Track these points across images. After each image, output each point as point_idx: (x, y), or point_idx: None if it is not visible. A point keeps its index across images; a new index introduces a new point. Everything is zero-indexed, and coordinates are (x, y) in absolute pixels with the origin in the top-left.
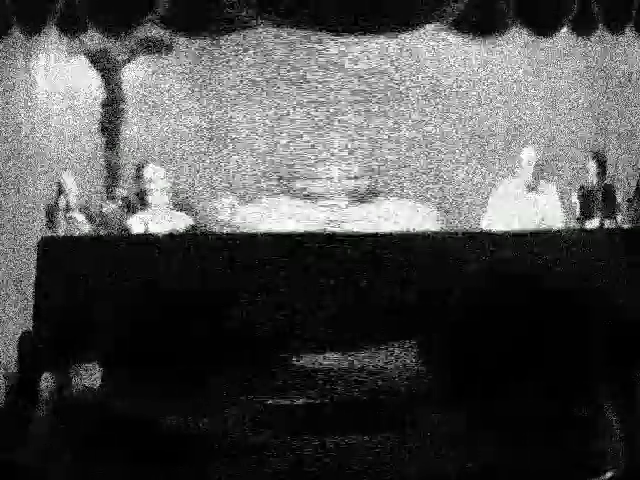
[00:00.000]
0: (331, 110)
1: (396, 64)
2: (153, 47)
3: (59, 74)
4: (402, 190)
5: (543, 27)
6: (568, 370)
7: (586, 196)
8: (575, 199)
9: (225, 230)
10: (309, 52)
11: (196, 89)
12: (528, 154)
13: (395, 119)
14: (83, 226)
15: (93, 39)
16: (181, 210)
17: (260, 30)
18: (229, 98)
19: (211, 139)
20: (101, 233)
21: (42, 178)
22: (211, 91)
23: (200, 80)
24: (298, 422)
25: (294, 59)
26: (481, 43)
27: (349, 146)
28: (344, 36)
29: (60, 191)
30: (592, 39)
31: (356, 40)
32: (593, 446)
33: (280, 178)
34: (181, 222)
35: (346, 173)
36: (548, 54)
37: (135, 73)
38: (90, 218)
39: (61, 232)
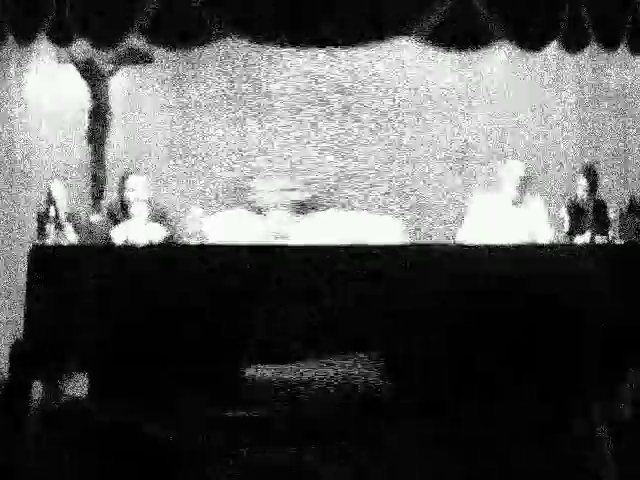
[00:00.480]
0: (291, 123)
1: (360, 76)
2: (136, 58)
3: (49, 83)
4: (355, 202)
5: (530, 42)
6: (558, 381)
7: (575, 211)
8: (564, 214)
9: (192, 241)
10: (275, 65)
11: (170, 101)
12: (512, 167)
13: (358, 132)
14: (70, 235)
15: (81, 49)
16: (157, 221)
17: (228, 43)
18: (198, 110)
19: (182, 151)
20: (87, 243)
21: (34, 187)
22: (183, 103)
23: (173, 92)
24: (257, 433)
25: (258, 72)
26: (462, 55)
27: (293, 159)
28: (311, 48)
29: (50, 200)
30: (583, 54)
31: (323, 52)
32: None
33: (235, 191)
34: (157, 233)
35: (289, 185)
36: (536, 68)
37: (120, 84)
38: (77, 228)
39: (51, 241)
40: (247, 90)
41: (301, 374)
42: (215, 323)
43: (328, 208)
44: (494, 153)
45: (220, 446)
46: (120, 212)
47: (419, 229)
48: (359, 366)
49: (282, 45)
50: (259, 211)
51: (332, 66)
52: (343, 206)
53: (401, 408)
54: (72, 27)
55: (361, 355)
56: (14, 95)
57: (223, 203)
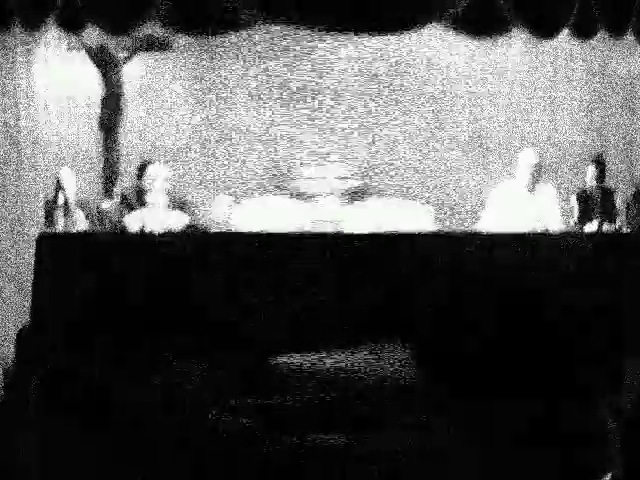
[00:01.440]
0: (327, 110)
1: (395, 64)
2: (153, 45)
3: (59, 70)
4: (396, 190)
5: (543, 29)
6: (562, 373)
7: (585, 199)
8: (574, 202)
9: (221, 228)
10: (306, 51)
11: (194, 88)
12: (527, 156)
13: (392, 119)
14: (81, 223)
15: (92, 36)
16: (178, 209)
17: (260, 30)
18: (228, 97)
19: (207, 137)
20: (98, 230)
21: (41, 174)
22: (209, 90)
23: (198, 79)
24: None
25: (291, 59)
26: (481, 43)
27: (343, 147)
28: (342, 35)
29: (59, 187)
30: (592, 42)
31: (354, 39)
32: (592, 448)
33: (274, 177)
34: (177, 221)
35: (338, 173)
36: (548, 56)
37: (136, 71)
38: (88, 215)
39: (60, 228)
40: (290, 77)
41: (333, 363)
42: (242, 311)
43: (372, 195)
44: (509, 140)
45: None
46: (136, 199)
47: (451, 217)
48: (390, 354)
49: (321, 31)
50: (306, 198)
51: (366, 52)
52: (383, 194)
53: (431, 396)
54: (83, 13)
55: (391, 343)
56: (21, 82)
57: (261, 189)
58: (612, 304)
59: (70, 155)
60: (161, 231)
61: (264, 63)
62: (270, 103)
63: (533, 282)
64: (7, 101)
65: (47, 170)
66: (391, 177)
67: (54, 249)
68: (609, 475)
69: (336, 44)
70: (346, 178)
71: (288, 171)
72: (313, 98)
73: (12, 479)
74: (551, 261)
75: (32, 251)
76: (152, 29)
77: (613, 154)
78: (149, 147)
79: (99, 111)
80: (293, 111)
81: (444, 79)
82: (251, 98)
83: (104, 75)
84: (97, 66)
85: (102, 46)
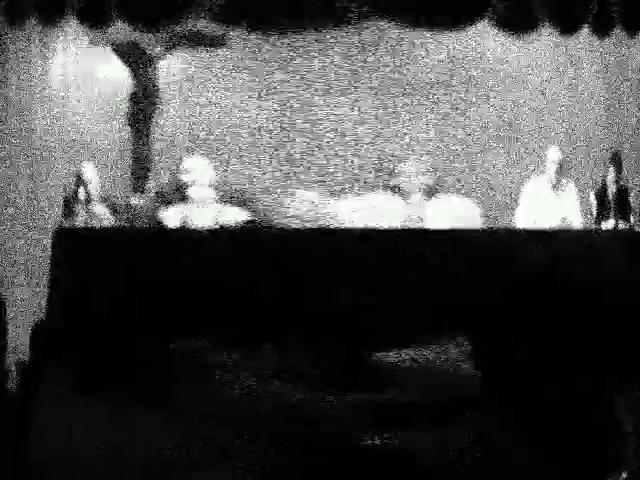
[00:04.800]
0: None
1: (461, 60)
2: (200, 40)
3: (80, 64)
4: (456, 187)
5: (566, 25)
6: (588, 371)
7: (603, 197)
8: (592, 200)
9: (305, 225)
10: (383, 46)
11: (259, 83)
12: (553, 153)
13: (448, 115)
14: (105, 218)
15: (120, 31)
16: (234, 204)
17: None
18: (310, 93)
19: (276, 134)
20: (126, 226)
21: (60, 169)
22: (281, 87)
23: (262, 75)
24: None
25: (369, 53)
26: (516, 41)
27: (426, 143)
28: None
29: (79, 182)
30: (610, 39)
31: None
32: (608, 447)
33: (372, 173)
34: (232, 216)
35: (422, 169)
36: (570, 53)
37: (174, 66)
38: (114, 211)
39: (80, 224)
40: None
41: (402, 360)
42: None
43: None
44: (535, 137)
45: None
46: (175, 195)
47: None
48: (449, 352)
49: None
50: (402, 194)
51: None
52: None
53: (487, 394)
54: (110, 9)
55: (451, 341)
56: (39, 78)
57: (358, 185)
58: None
59: (94, 151)
60: (208, 226)
61: (345, 59)
62: (353, 98)
63: (583, 282)
64: (25, 96)
65: (68, 166)
66: (450, 175)
67: (71, 244)
68: (625, 473)
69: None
70: (427, 174)
71: (383, 167)
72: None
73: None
74: (598, 258)
75: (49, 246)
76: (200, 24)
77: (628, 152)
78: (193, 142)
79: (128, 107)
80: (379, 106)
81: (491, 77)
82: (332, 93)
83: (134, 70)
84: (125, 62)
85: (132, 42)
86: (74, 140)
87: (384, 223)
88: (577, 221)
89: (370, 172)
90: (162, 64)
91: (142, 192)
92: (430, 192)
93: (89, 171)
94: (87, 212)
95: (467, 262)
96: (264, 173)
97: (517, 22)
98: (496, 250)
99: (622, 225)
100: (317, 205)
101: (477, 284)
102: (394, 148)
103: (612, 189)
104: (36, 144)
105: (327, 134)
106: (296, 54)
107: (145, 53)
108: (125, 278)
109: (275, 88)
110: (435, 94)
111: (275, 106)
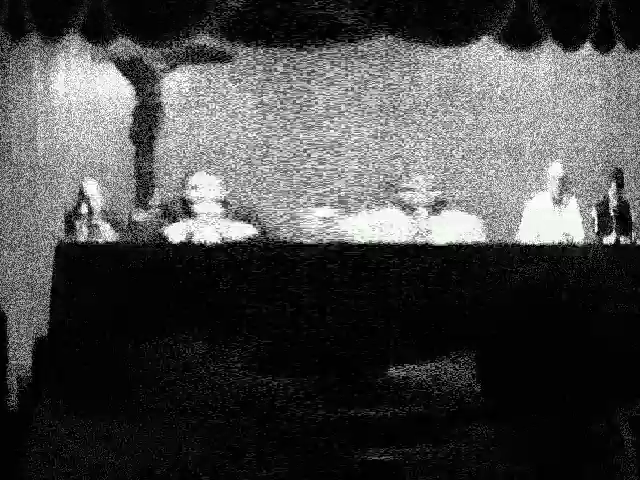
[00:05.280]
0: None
1: (467, 75)
2: (205, 56)
3: (82, 80)
4: (460, 201)
5: (568, 40)
6: (587, 386)
7: (604, 212)
8: (594, 214)
9: (315, 241)
10: (388, 62)
11: (265, 99)
12: (555, 168)
13: (453, 131)
14: (107, 233)
15: (123, 47)
16: (239, 220)
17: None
18: (320, 110)
19: (283, 151)
20: (128, 241)
21: (63, 184)
22: (286, 102)
23: (268, 90)
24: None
25: (375, 69)
26: (519, 56)
27: (430, 157)
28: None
29: (81, 197)
30: (611, 54)
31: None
32: (609, 461)
33: (384, 189)
34: (240, 232)
35: (428, 184)
36: (570, 68)
37: (180, 82)
38: (116, 226)
39: (82, 239)
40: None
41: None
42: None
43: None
44: (538, 153)
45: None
46: (180, 210)
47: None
48: (452, 367)
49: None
50: (409, 210)
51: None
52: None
53: (490, 410)
54: (111, 24)
55: (455, 356)
56: (41, 94)
57: (370, 201)
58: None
59: (96, 167)
60: (215, 242)
61: (351, 74)
62: (358, 114)
63: (577, 295)
64: (27, 111)
65: (70, 181)
66: (456, 190)
67: (72, 259)
68: None
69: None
70: (434, 189)
71: (392, 182)
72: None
73: None
74: (592, 273)
75: (51, 261)
76: (204, 39)
77: (629, 167)
78: (199, 158)
79: (130, 122)
80: (384, 122)
81: (495, 92)
82: (337, 109)
83: (137, 86)
84: (128, 77)
85: (134, 57)
86: (77, 156)
87: (392, 238)
88: (579, 236)
89: (377, 188)
90: (166, 80)
91: (145, 208)
92: (437, 207)
93: (91, 187)
94: (89, 227)
95: (469, 277)
96: (272, 189)
97: (519, 38)
98: (498, 265)
99: (623, 240)
100: (332, 221)
101: (479, 298)
102: (400, 164)
103: (613, 204)
104: (39, 159)
105: (333, 150)
106: (303, 70)
107: (149, 69)
108: (126, 292)
109: (281, 104)
110: (439, 110)
111: (281, 122)
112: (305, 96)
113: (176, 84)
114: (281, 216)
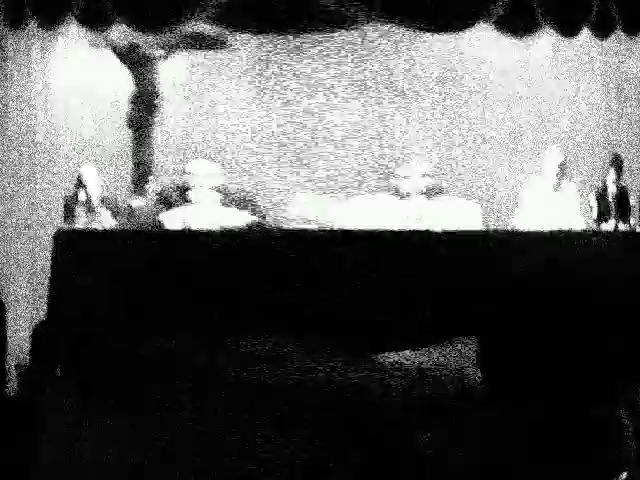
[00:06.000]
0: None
1: (459, 62)
2: (202, 43)
3: (80, 67)
4: (459, 188)
5: (567, 27)
6: (588, 371)
7: (603, 198)
8: (593, 201)
9: (298, 227)
10: (383, 48)
11: (260, 86)
12: (553, 153)
13: (450, 117)
14: (106, 220)
15: (120, 33)
16: (236, 206)
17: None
18: (315, 97)
19: (280, 138)
20: (126, 227)
21: (61, 171)
22: (282, 89)
23: (264, 77)
24: None
25: (369, 56)
26: (516, 42)
27: (426, 144)
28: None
29: (79, 184)
30: (610, 41)
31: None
32: (609, 446)
33: (375, 175)
34: (238, 219)
35: (423, 170)
36: (570, 55)
37: (176, 69)
38: (115, 212)
39: (80, 225)
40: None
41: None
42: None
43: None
44: (537, 138)
45: None
46: (177, 197)
47: (490, 215)
48: (454, 355)
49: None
50: (402, 196)
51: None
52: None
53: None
54: (109, 10)
55: (457, 344)
56: (39, 80)
57: (359, 187)
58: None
59: (94, 153)
60: (208, 228)
61: (345, 63)
62: (352, 101)
63: (577, 281)
64: (25, 99)
65: (68, 168)
66: (454, 176)
67: (71, 246)
68: (625, 474)
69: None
70: (428, 175)
71: (385, 169)
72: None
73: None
74: (591, 260)
75: (49, 248)
76: (202, 26)
77: (628, 153)
78: (197, 146)
79: (129, 109)
80: (379, 108)
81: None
82: (332, 96)
83: (134, 73)
84: (125, 64)
85: (132, 44)
86: (76, 142)
87: (384, 224)
88: (578, 222)
89: (371, 174)
90: (163, 67)
91: (142, 194)
92: (432, 193)
93: (89, 173)
94: (87, 214)
95: (468, 264)
96: (267, 176)
97: (517, 24)
98: (496, 252)
99: (622, 227)
100: (311, 206)
101: (478, 286)
102: (395, 150)
103: (612, 190)
104: (37, 146)
105: (327, 136)
106: (298, 57)
107: (146, 55)
108: (125, 279)
109: (278, 91)
110: (436, 96)
111: (277, 109)
112: (299, 81)
113: (173, 71)
114: (275, 203)
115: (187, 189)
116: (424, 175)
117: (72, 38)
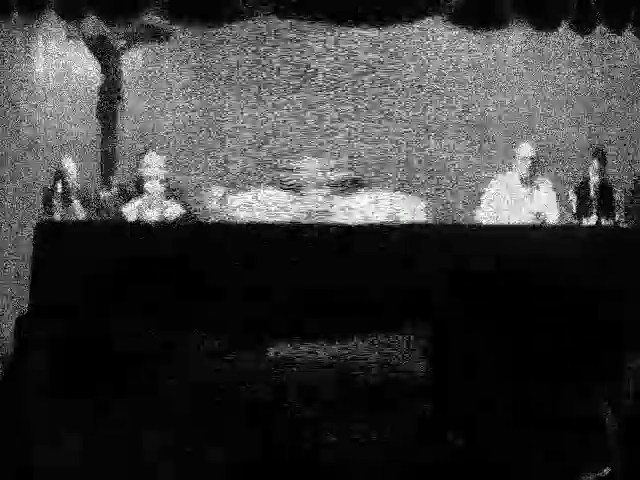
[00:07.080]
0: (316, 102)
1: (389, 56)
2: (152, 35)
3: (58, 58)
4: (389, 183)
5: (543, 22)
6: (564, 367)
7: (583, 193)
8: (572, 195)
9: (213, 219)
10: (302, 43)
11: (190, 78)
12: (523, 149)
13: (384, 111)
14: (79, 212)
15: (91, 25)
16: (173, 199)
17: (257, 20)
18: (222, 89)
19: (203, 129)
20: (94, 219)
21: (41, 163)
22: (206, 81)
23: (195, 70)
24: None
25: (286, 50)
26: (481, 36)
27: (331, 138)
28: (339, 27)
29: (58, 176)
30: (591, 36)
31: (350, 31)
32: (590, 443)
33: (267, 169)
34: (173, 211)
35: (327, 165)
36: (547, 49)
37: (134, 60)
38: (86, 204)
39: (58, 217)
40: (278, 68)
41: (346, 353)
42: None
43: (365, 188)
44: (509, 133)
45: None
46: (133, 189)
47: (445, 209)
48: (400, 347)
49: (316, 22)
50: (296, 190)
51: (361, 43)
52: (375, 186)
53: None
54: (81, 2)
55: (403, 335)
56: (19, 71)
57: (255, 181)
58: (612, 299)
59: (70, 144)
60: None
61: (259, 54)
62: (264, 94)
63: (543, 273)
64: (4, 90)
65: (47, 159)
66: (383, 170)
67: (52, 238)
68: (607, 468)
69: (331, 35)
70: (333, 170)
71: (280, 163)
72: (305, 89)
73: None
74: (555, 253)
75: (31, 240)
76: (153, 18)
77: (612, 148)
78: (147, 137)
79: (97, 101)
80: (287, 102)
81: (441, 71)
82: (244, 89)
83: (102, 64)
84: (95, 55)
85: (101, 35)
86: (56, 133)
87: (276, 218)
88: (553, 217)
89: (267, 168)
90: (124, 58)
91: (108, 186)
92: (345, 188)
93: (67, 165)
94: (63, 206)
95: (414, 256)
96: (194, 170)
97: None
98: (437, 245)
99: (605, 222)
100: (225, 199)
101: (426, 278)
102: (289, 144)
103: (594, 184)
104: (20, 137)
105: (234, 131)
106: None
107: (112, 47)
108: (107, 270)
109: (203, 83)
110: (379, 90)
111: (200, 100)
112: (215, 76)
113: (131, 62)
114: (198, 196)
115: (142, 181)
116: (332, 169)
117: (52, 30)
